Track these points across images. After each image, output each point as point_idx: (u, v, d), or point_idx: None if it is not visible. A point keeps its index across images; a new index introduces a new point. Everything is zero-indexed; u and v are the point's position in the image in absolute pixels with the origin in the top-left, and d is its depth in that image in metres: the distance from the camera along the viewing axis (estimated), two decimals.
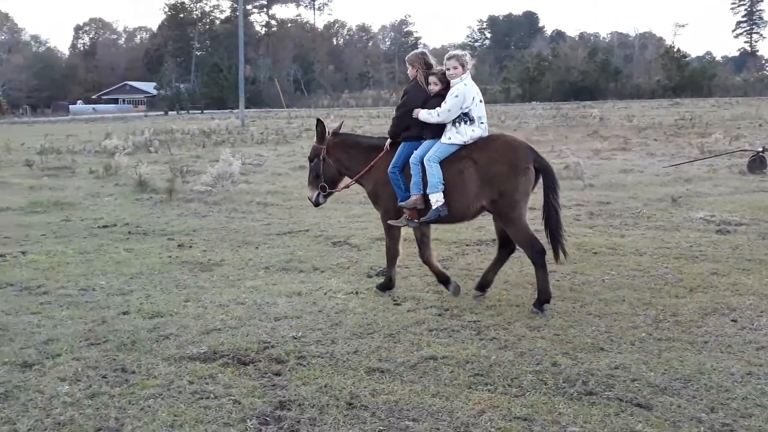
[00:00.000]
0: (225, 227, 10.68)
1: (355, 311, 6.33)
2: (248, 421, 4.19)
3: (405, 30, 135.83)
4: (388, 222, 6.85)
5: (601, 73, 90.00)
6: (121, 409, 4.35)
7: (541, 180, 6.42)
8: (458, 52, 6.62)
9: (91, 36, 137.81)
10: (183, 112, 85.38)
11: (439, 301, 6.64)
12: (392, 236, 6.96)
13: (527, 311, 6.25)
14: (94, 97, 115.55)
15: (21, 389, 4.67)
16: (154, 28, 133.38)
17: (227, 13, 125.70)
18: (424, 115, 6.55)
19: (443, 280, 6.95)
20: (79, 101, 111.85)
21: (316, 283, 7.33)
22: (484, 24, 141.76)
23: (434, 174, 6.43)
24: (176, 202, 13.08)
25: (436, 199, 6.46)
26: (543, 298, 6.28)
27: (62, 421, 4.19)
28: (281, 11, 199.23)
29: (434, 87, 6.62)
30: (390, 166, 6.75)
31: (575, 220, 10.61)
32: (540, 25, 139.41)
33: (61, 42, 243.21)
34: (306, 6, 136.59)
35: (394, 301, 6.66)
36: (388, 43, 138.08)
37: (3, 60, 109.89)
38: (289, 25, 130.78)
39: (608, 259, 8.15)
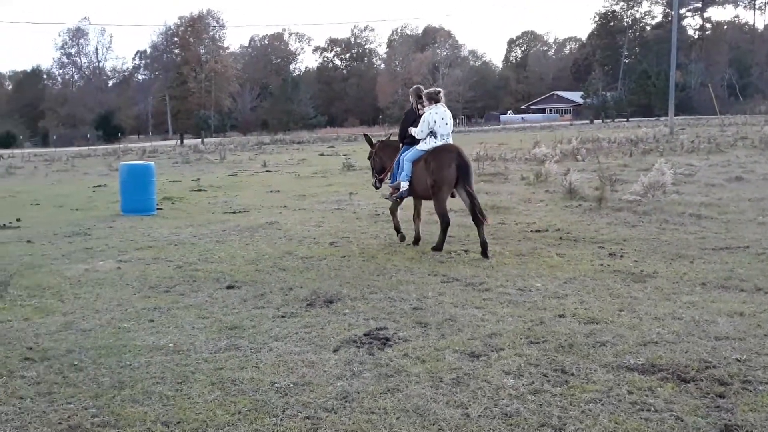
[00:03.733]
0: (656, 238, 10.38)
1: None
2: None
3: None
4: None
5: None
6: (562, 408, 4.51)
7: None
8: (429, 90, 10.21)
9: (522, 48, 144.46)
10: (608, 120, 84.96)
11: None
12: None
13: None
14: (522, 107, 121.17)
15: (470, 377, 5.09)
16: (584, 37, 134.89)
17: (659, 18, 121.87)
18: (413, 131, 10.20)
19: (417, 238, 10.63)
20: (509, 111, 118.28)
21: (760, 305, 6.75)
22: None
23: (405, 169, 10.24)
24: (605, 210, 13.08)
25: (403, 186, 10.29)
26: (438, 246, 9.90)
27: (509, 412, 4.48)
28: (717, 13, 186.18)
29: (421, 111, 10.28)
30: (396, 159, 10.66)
31: None
32: None
33: (496, 55, 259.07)
34: (745, 6, 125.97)
35: None
36: None
37: (445, 74, 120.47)
38: (725, 27, 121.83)
39: None
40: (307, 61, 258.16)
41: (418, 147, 10.13)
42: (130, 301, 7.53)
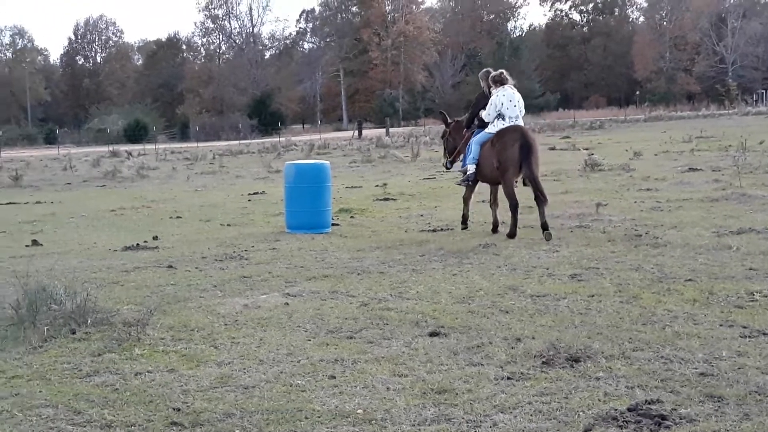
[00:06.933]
0: None
1: None
2: None
3: None
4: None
5: None
6: None
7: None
8: (494, 73, 14.26)
9: None
10: None
11: None
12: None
13: None
14: None
15: None
16: None
17: None
18: (482, 114, 14.27)
19: (495, 224, 14.61)
20: None
21: None
22: None
23: (472, 152, 14.24)
24: None
25: (469, 169, 14.27)
26: (511, 233, 13.77)
27: None
28: None
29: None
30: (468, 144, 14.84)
31: None
32: None
33: None
34: None
35: None
36: None
37: (736, 29, 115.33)
38: None
39: None
40: (532, 16, 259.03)
41: (486, 130, 14.14)
42: (303, 349, 7.86)
